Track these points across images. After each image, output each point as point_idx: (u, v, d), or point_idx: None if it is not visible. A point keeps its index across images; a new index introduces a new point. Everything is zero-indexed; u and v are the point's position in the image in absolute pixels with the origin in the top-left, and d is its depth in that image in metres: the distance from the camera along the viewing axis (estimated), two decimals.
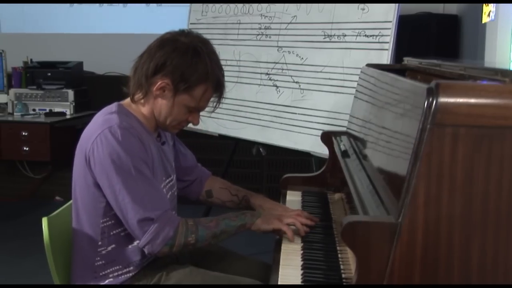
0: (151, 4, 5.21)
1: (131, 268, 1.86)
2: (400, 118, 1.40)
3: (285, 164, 4.65)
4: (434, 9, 4.39)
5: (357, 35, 2.98)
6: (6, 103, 4.83)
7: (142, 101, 1.88)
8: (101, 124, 1.81)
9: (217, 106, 1.91)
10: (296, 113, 3.25)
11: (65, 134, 4.71)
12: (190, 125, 1.98)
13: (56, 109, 4.74)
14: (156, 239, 1.72)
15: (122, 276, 1.85)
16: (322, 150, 2.64)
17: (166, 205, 1.78)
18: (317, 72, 3.16)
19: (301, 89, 3.24)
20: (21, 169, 5.24)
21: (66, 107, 4.74)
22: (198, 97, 1.83)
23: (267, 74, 3.39)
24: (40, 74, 4.82)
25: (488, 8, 3.21)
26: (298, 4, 3.28)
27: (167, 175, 1.96)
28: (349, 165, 1.85)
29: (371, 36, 2.91)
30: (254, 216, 1.86)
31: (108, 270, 1.84)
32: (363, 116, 2.03)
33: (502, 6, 2.94)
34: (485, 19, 3.30)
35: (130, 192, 1.71)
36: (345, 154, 2.00)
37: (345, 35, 3.04)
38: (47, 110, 4.74)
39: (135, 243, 1.81)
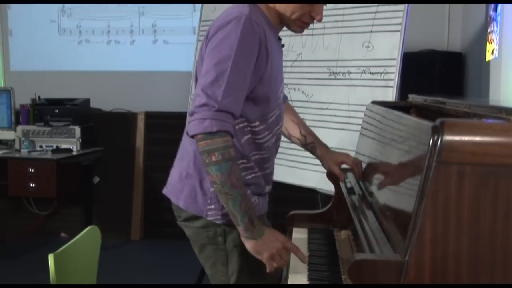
0: (158, 42, 5.27)
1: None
2: (406, 156, 1.40)
3: (291, 200, 4.63)
4: (438, 46, 4.42)
5: (362, 72, 3.00)
6: (14, 140, 4.86)
7: None
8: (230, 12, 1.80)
9: None
10: (302, 150, 3.25)
11: (71, 170, 4.73)
12: None
13: (63, 146, 4.77)
14: (201, 123, 1.65)
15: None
16: (328, 187, 2.63)
17: (235, 109, 1.71)
18: (323, 109, 3.17)
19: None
20: (27, 205, 5.25)
21: (72, 144, 4.77)
22: None
23: None
24: (47, 111, 4.85)
25: (492, 46, 3.24)
26: (303, 42, 3.32)
27: (282, 79, 1.98)
28: (355, 202, 1.85)
29: (376, 73, 2.93)
30: (253, 234, 1.72)
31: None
32: (369, 153, 2.03)
33: (506, 44, 2.96)
34: (488, 57, 3.32)
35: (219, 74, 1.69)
36: (351, 191, 2.00)
37: (350, 73, 3.06)
38: (54, 147, 4.76)
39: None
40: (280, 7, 1.88)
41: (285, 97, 2.24)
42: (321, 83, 3.20)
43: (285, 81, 3.37)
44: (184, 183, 1.98)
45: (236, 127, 1.81)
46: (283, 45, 2.03)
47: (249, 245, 1.73)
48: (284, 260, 1.77)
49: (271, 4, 1.90)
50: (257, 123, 1.86)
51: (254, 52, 1.74)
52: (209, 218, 1.88)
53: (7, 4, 5.51)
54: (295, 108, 3.16)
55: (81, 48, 5.44)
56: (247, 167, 1.89)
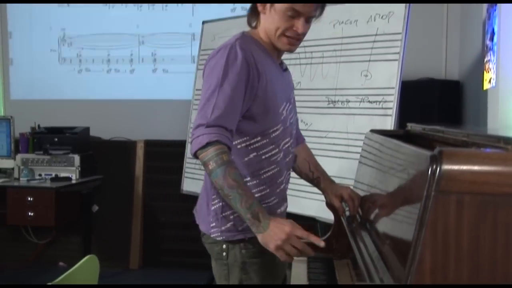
0: (157, 71, 5.30)
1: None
2: (405, 184, 1.40)
3: None
4: (436, 74, 4.45)
5: (360, 101, 3.02)
6: (13, 169, 4.86)
7: (258, 24, 2.04)
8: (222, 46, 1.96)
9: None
10: (300, 178, 3.25)
11: (70, 199, 4.72)
12: None
13: (62, 174, 4.77)
14: (196, 141, 1.80)
15: None
16: (327, 215, 2.63)
17: (225, 122, 1.82)
18: (322, 137, 3.18)
19: None
20: (25, 234, 5.22)
21: (72, 172, 4.76)
22: None
23: None
24: (47, 139, 4.86)
25: (489, 75, 3.26)
26: (302, 71, 3.34)
27: (287, 99, 2.08)
28: (354, 231, 1.84)
29: (374, 102, 2.95)
30: (258, 228, 1.77)
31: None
32: (368, 181, 2.03)
33: (503, 73, 2.99)
34: (486, 85, 3.34)
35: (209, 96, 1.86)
36: (350, 219, 2.00)
37: (349, 101, 3.08)
38: (53, 175, 4.76)
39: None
40: (266, 28, 2.00)
41: (302, 138, 2.40)
42: (320, 111, 3.22)
43: None
44: (200, 204, 2.12)
45: (239, 147, 1.94)
46: (286, 69, 2.15)
47: (259, 239, 1.78)
48: (298, 247, 1.76)
49: (261, 32, 2.03)
50: (259, 138, 1.97)
51: (241, 73, 1.86)
52: (213, 236, 2.00)
53: (9, 34, 5.56)
54: None
55: (81, 77, 5.48)
56: (255, 184, 1.98)
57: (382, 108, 2.91)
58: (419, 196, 1.19)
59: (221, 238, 1.98)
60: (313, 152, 3.18)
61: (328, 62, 3.23)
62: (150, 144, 5.18)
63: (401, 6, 2.91)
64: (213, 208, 2.00)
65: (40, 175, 4.80)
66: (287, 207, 2.18)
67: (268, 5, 1.96)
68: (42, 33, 5.51)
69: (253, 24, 2.06)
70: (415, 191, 1.25)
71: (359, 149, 2.51)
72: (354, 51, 3.11)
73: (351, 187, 2.35)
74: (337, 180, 3.00)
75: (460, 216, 1.15)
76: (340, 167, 3.04)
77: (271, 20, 1.97)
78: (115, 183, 5.17)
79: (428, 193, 1.16)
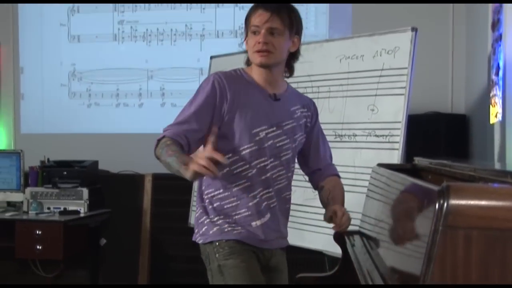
0: (166, 105, 5.33)
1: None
2: (412, 219, 1.40)
3: (298, 263, 4.57)
4: (442, 108, 4.45)
5: (367, 135, 3.02)
6: (22, 202, 4.87)
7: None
8: None
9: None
10: (308, 212, 3.25)
11: (78, 232, 4.71)
12: None
13: (71, 208, 4.76)
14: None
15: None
16: (335, 249, 2.62)
17: (179, 128, 2.23)
18: None
19: (312, 188, 3.25)
20: (33, 268, 5.20)
21: (80, 206, 4.76)
22: (247, 16, 2.29)
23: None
24: (56, 173, 4.87)
25: (495, 109, 3.26)
26: None
27: (270, 124, 2.30)
28: (362, 265, 1.83)
29: (381, 136, 2.95)
30: (182, 165, 2.04)
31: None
32: (375, 215, 2.03)
33: (509, 107, 2.99)
34: (492, 119, 3.34)
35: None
36: (358, 253, 1.98)
37: (356, 135, 3.08)
38: (62, 209, 4.75)
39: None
40: (249, 54, 2.31)
41: (332, 172, 2.55)
42: None
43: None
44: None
45: None
46: (278, 99, 2.36)
47: (185, 175, 2.04)
48: (202, 163, 1.95)
49: (252, 66, 2.33)
50: (230, 155, 2.24)
51: (208, 96, 2.23)
52: (197, 241, 2.34)
53: (20, 69, 5.62)
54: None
55: (90, 111, 5.51)
56: (224, 196, 2.28)
57: (389, 142, 2.91)
58: (427, 230, 1.19)
59: (201, 241, 2.30)
60: None
61: (335, 97, 3.24)
62: (158, 178, 5.18)
63: (407, 41, 2.93)
64: (196, 215, 2.36)
65: (48, 208, 4.79)
66: (268, 221, 2.32)
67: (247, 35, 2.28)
68: (53, 68, 5.56)
69: (248, 62, 2.36)
70: (423, 226, 1.24)
71: (366, 183, 2.51)
72: (360, 85, 3.12)
73: (359, 221, 2.35)
74: None
75: (468, 251, 1.14)
76: (348, 201, 3.02)
77: (247, 46, 2.30)
78: (123, 217, 5.16)
79: (436, 228, 1.16)
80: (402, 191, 1.63)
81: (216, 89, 2.23)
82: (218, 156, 1.97)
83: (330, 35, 4.83)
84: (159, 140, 2.21)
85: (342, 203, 2.39)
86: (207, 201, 2.32)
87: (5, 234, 4.57)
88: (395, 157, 2.86)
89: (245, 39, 2.31)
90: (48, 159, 5.07)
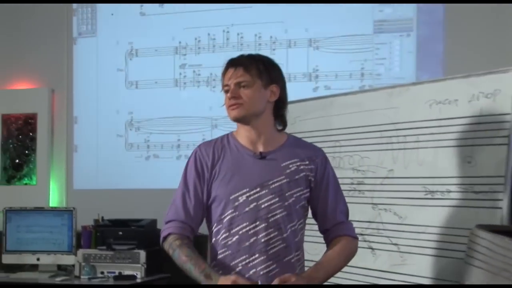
0: None
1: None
2: None
3: None
4: None
5: (464, 191, 2.95)
6: (73, 265, 4.96)
7: None
8: None
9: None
10: (395, 280, 3.19)
11: None
12: None
13: (126, 272, 4.82)
14: (160, 235, 2.62)
15: None
16: None
17: (175, 215, 2.58)
18: (419, 233, 3.12)
19: (400, 252, 3.19)
20: None
21: (137, 270, 4.81)
22: (222, 79, 2.62)
23: (361, 234, 3.37)
24: (111, 233, 4.95)
25: None
26: (394, 157, 3.31)
27: (252, 186, 2.48)
28: None
29: (480, 192, 2.88)
30: (212, 282, 2.39)
31: None
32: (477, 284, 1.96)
33: None
34: None
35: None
36: None
37: (450, 191, 3.02)
38: (116, 273, 4.82)
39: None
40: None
41: (343, 232, 2.60)
42: (416, 203, 3.17)
43: (374, 200, 3.38)
44: None
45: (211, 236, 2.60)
46: (264, 157, 2.53)
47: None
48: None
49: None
50: (215, 224, 2.54)
51: (190, 173, 2.58)
52: None
53: (74, 118, 5.79)
54: (387, 231, 3.13)
55: (148, 164, 5.62)
56: (213, 266, 2.54)
57: (490, 199, 2.83)
58: None
59: None
60: (409, 249, 3.13)
61: (424, 147, 3.19)
62: None
63: (510, 83, 2.87)
64: None
65: (102, 272, 4.87)
66: None
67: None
68: (108, 117, 5.71)
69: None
70: None
71: (464, 247, 2.44)
72: (454, 134, 3.06)
73: None
74: (439, 283, 2.92)
75: None
76: (441, 269, 2.96)
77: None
78: (184, 283, 5.16)
79: None
80: (509, 257, 1.58)
81: (197, 161, 2.56)
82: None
83: (418, 77, 4.80)
84: (165, 238, 2.57)
85: (326, 274, 2.52)
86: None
87: None
88: (498, 218, 2.77)
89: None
90: (102, 218, 5.18)
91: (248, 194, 2.47)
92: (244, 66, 2.52)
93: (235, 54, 2.71)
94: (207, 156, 2.55)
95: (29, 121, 5.86)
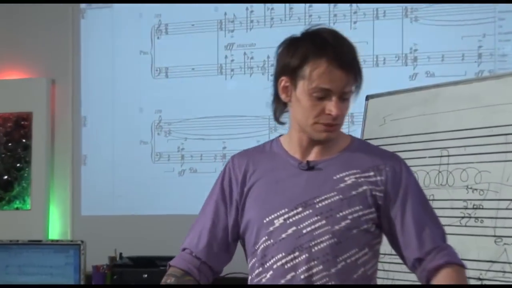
0: None
1: None
2: None
3: None
4: None
5: None
6: None
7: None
8: None
9: None
10: None
11: None
12: None
13: None
14: None
15: None
16: None
17: (190, 244, 2.63)
18: None
19: None
20: None
21: None
22: (311, 75, 2.38)
23: (479, 279, 3.34)
24: (132, 275, 4.97)
25: None
26: None
27: (292, 206, 2.48)
28: None
29: None
30: None
31: None
32: None
33: None
34: None
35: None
36: None
37: None
38: None
39: None
40: (297, 120, 2.49)
41: (446, 260, 2.46)
42: None
43: (497, 232, 3.35)
44: None
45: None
46: (311, 167, 2.53)
47: None
48: None
49: (292, 128, 2.56)
50: (249, 258, 2.58)
51: (214, 193, 2.64)
52: None
53: (82, 119, 5.82)
54: None
55: (183, 181, 5.67)
56: None
57: None
58: None
59: None
60: None
61: None
62: None
63: None
64: None
65: None
66: None
67: (290, 90, 2.45)
68: (128, 117, 5.79)
69: (280, 118, 2.60)
70: None
71: None
72: None
73: None
74: None
75: None
76: None
77: (297, 108, 2.46)
78: None
79: None
80: None
81: (225, 177, 2.63)
82: None
83: None
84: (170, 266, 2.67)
85: None
86: None
87: None
88: None
89: (284, 93, 2.48)
90: (120, 255, 5.20)
91: (286, 216, 2.48)
92: (355, 72, 2.41)
93: (300, 29, 2.66)
94: (239, 170, 2.60)
95: (22, 123, 5.92)
